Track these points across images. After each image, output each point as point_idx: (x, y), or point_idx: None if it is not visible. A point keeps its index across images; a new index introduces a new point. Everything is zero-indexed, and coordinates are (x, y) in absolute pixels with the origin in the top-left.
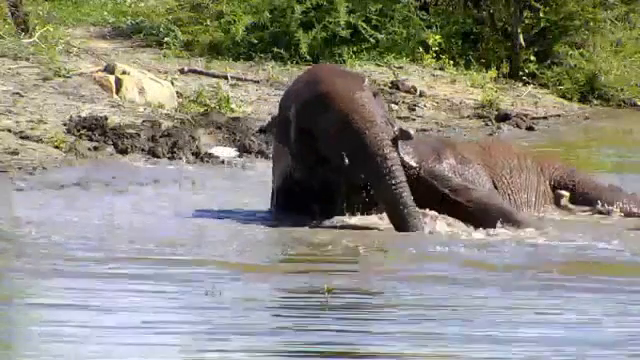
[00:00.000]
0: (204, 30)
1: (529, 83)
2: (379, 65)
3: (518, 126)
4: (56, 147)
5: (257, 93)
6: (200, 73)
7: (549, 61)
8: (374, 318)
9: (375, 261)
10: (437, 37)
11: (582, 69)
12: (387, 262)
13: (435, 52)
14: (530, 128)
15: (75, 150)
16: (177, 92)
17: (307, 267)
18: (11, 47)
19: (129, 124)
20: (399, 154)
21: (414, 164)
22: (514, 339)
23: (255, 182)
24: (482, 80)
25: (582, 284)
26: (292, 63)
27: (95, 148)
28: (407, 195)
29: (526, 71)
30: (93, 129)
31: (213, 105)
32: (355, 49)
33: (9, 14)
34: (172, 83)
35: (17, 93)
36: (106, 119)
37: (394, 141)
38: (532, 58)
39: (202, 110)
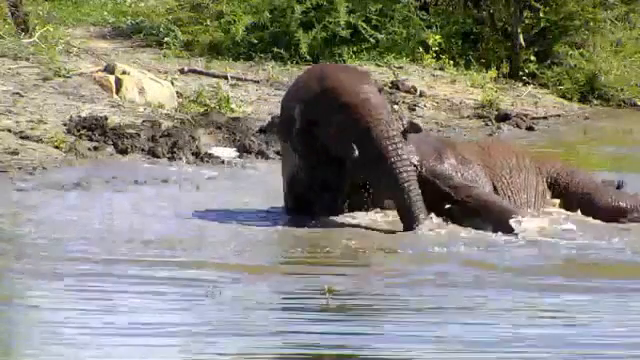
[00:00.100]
0: (204, 30)
1: (529, 83)
2: (379, 65)
3: (518, 126)
4: (56, 147)
5: (257, 93)
6: (200, 73)
7: (549, 61)
8: (374, 319)
9: (375, 262)
10: (437, 37)
11: (582, 69)
12: (387, 262)
13: (435, 52)
14: (530, 128)
15: (75, 150)
16: (177, 92)
17: (307, 268)
18: (11, 47)
19: (129, 124)
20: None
21: (415, 163)
22: (514, 339)
23: (255, 182)
24: (482, 80)
25: (582, 284)
26: (292, 63)
27: (95, 148)
28: (415, 189)
29: (526, 71)
30: (93, 129)
31: (213, 105)
32: (355, 49)
33: (9, 14)
34: (172, 83)
35: (17, 93)
36: (106, 119)
37: (403, 134)
38: (532, 58)
39: (202, 110)
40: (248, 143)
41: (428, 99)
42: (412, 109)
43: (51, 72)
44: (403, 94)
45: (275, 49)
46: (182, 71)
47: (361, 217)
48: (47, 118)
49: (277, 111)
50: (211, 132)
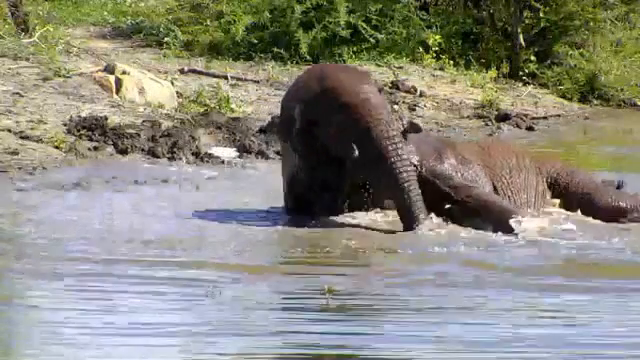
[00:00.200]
0: (204, 30)
1: (529, 83)
2: (379, 65)
3: (518, 126)
4: (56, 147)
5: (257, 93)
6: (200, 73)
7: (549, 61)
8: (374, 320)
9: (375, 262)
10: (437, 37)
11: (582, 69)
12: (387, 262)
13: (435, 52)
14: (530, 128)
15: (75, 150)
16: (177, 92)
17: (307, 268)
18: (11, 47)
19: (129, 124)
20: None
21: (415, 163)
22: (514, 339)
23: (255, 182)
24: (482, 80)
25: (582, 284)
26: (292, 63)
27: (95, 148)
28: (415, 189)
29: (526, 71)
30: (93, 129)
31: (213, 105)
32: (355, 49)
33: (9, 14)
34: (172, 83)
35: (17, 93)
36: (106, 119)
37: (403, 134)
38: (532, 58)
39: (202, 110)
40: (248, 143)
41: (428, 99)
42: (412, 109)
43: (51, 72)
44: (403, 94)
45: (275, 49)
46: (182, 71)
47: (361, 217)
48: (47, 118)
49: (277, 111)
50: (211, 132)
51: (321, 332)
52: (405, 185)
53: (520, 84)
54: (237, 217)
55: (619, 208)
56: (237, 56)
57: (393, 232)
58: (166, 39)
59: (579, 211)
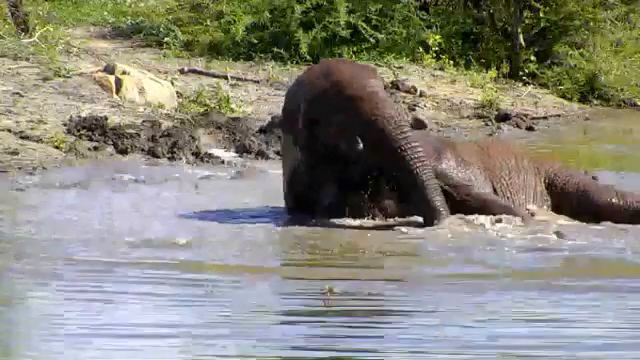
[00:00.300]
0: (204, 30)
1: (529, 83)
2: (379, 65)
3: (518, 126)
4: (56, 147)
5: (257, 93)
6: (200, 73)
7: (549, 61)
8: (375, 320)
9: (375, 262)
10: (437, 37)
11: (582, 69)
12: (388, 263)
13: (435, 52)
14: (530, 128)
15: (75, 150)
16: (177, 92)
17: (307, 269)
18: (11, 47)
19: (129, 124)
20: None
21: None
22: (514, 340)
23: (255, 182)
24: (482, 80)
25: (582, 284)
26: (292, 63)
27: (95, 148)
28: (433, 182)
29: (526, 71)
30: (93, 129)
31: (213, 105)
32: (355, 49)
33: (9, 14)
34: (172, 83)
35: (17, 93)
36: (106, 119)
37: (411, 126)
38: (532, 58)
39: (202, 110)
40: (248, 143)
41: (428, 99)
42: (412, 109)
43: (51, 72)
44: (403, 94)
45: (275, 49)
46: (182, 71)
47: (361, 218)
48: (47, 118)
49: (277, 111)
50: (211, 132)
51: (321, 334)
52: (423, 178)
53: (520, 84)
54: (237, 217)
55: (618, 207)
56: (237, 56)
57: (393, 233)
58: (166, 39)
59: (573, 212)
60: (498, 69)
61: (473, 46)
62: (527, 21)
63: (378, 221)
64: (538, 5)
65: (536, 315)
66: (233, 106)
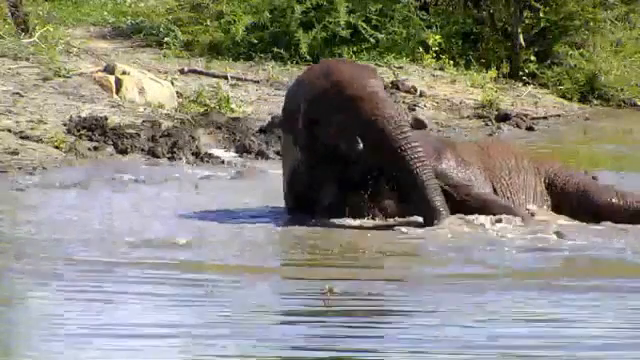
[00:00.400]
0: (204, 30)
1: (529, 83)
2: (379, 65)
3: (518, 126)
4: (56, 147)
5: (257, 93)
6: (200, 73)
7: (549, 61)
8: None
9: (376, 262)
10: (437, 37)
11: (582, 69)
12: (387, 263)
13: (435, 52)
14: (530, 128)
15: (75, 150)
16: (177, 92)
17: (307, 269)
18: (11, 47)
19: (129, 124)
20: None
21: None
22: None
23: (255, 182)
24: (482, 80)
25: (582, 284)
26: (292, 63)
27: (95, 148)
28: (433, 181)
29: (526, 71)
30: (93, 129)
31: (213, 105)
32: (355, 49)
33: (9, 14)
34: (172, 83)
35: (17, 93)
36: (106, 119)
37: (411, 126)
38: (532, 58)
39: (202, 110)
40: (248, 143)
41: (428, 99)
42: (412, 109)
43: (51, 72)
44: (403, 94)
45: (275, 49)
46: (182, 71)
47: (361, 218)
48: (47, 118)
49: (277, 111)
50: (211, 132)
51: (321, 334)
52: (423, 178)
53: (520, 84)
54: (237, 217)
55: (618, 207)
56: (237, 56)
57: (393, 233)
58: (166, 39)
59: (572, 213)
60: (498, 69)
61: (473, 46)
62: (527, 21)
63: (378, 221)
64: (538, 5)
65: (536, 315)
66: (233, 106)
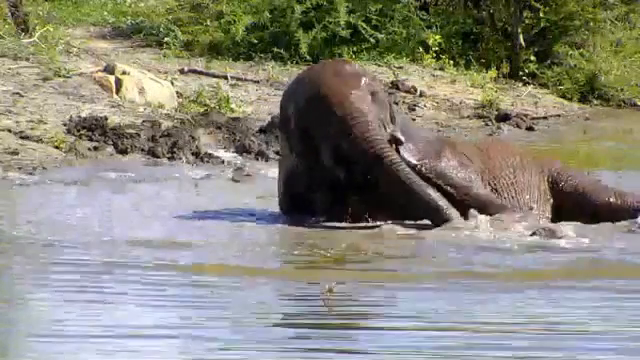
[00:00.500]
0: (204, 30)
1: (529, 83)
2: (379, 65)
3: (518, 126)
4: (56, 147)
5: (257, 93)
6: (200, 73)
7: (549, 61)
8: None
9: (376, 263)
10: (437, 37)
11: (582, 69)
12: (387, 264)
13: (435, 52)
14: (530, 128)
15: (75, 150)
16: (177, 92)
17: (308, 270)
18: (11, 47)
19: (129, 124)
20: (398, 152)
21: (415, 162)
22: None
23: (255, 182)
24: (482, 80)
25: (582, 284)
26: (292, 63)
27: (95, 148)
28: (421, 182)
29: (526, 71)
30: (93, 129)
31: (213, 105)
32: (355, 49)
33: (9, 14)
34: (172, 83)
35: (17, 93)
36: (106, 119)
37: (390, 142)
38: (532, 58)
39: (202, 110)
40: (248, 143)
41: (428, 99)
42: (412, 109)
43: (51, 72)
44: (403, 94)
45: (275, 49)
46: (182, 71)
47: (361, 218)
48: (47, 118)
49: (277, 111)
50: (211, 132)
51: (321, 335)
52: (407, 181)
53: (520, 84)
54: (237, 217)
55: (619, 207)
56: (237, 56)
57: (393, 233)
58: (166, 39)
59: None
60: (498, 69)
61: (473, 46)
62: (527, 21)
63: (378, 221)
64: (538, 5)
65: (536, 315)
66: (233, 106)
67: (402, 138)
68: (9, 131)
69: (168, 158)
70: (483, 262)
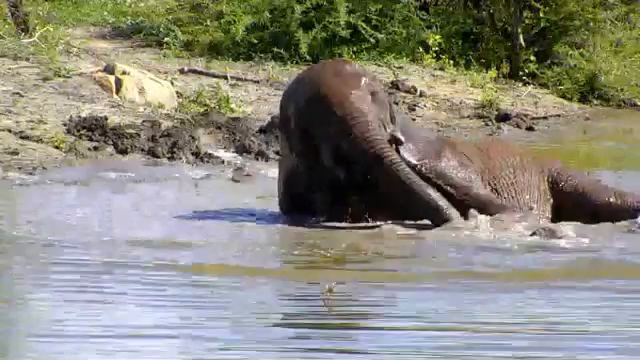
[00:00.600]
0: (204, 30)
1: (529, 83)
2: (379, 65)
3: (518, 126)
4: (56, 147)
5: (257, 93)
6: (200, 73)
7: (549, 61)
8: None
9: (376, 263)
10: (437, 37)
11: (582, 69)
12: (387, 264)
13: (435, 52)
14: (530, 128)
15: (75, 150)
16: (177, 92)
17: (308, 270)
18: (11, 47)
19: (129, 124)
20: (398, 152)
21: (415, 162)
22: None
23: (255, 182)
24: (482, 80)
25: (582, 284)
26: (292, 63)
27: (95, 148)
28: (421, 182)
29: (526, 71)
30: (93, 129)
31: (213, 105)
32: (355, 49)
33: (9, 14)
34: (172, 83)
35: (17, 93)
36: (106, 119)
37: (389, 142)
38: (532, 58)
39: (202, 110)
40: (248, 143)
41: (428, 99)
42: (412, 109)
43: (51, 72)
44: (403, 94)
45: (275, 49)
46: (182, 71)
47: (361, 218)
48: (47, 118)
49: (277, 111)
50: (211, 132)
51: (321, 335)
52: (412, 184)
53: (520, 84)
54: (237, 218)
55: (619, 207)
56: (237, 56)
57: (393, 233)
58: (166, 39)
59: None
60: (498, 69)
61: (473, 46)
62: (527, 21)
63: (378, 221)
64: (538, 5)
65: (536, 315)
66: (233, 106)
67: (402, 138)
68: (9, 131)
69: (168, 158)
70: (483, 262)
